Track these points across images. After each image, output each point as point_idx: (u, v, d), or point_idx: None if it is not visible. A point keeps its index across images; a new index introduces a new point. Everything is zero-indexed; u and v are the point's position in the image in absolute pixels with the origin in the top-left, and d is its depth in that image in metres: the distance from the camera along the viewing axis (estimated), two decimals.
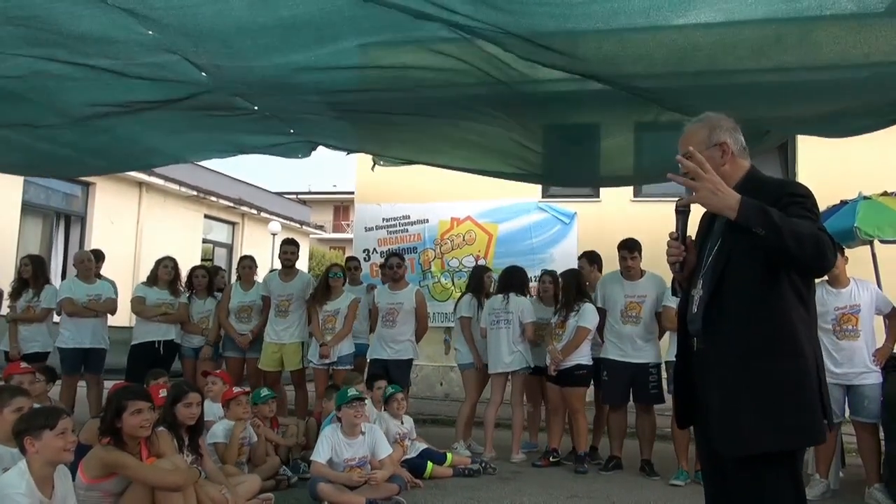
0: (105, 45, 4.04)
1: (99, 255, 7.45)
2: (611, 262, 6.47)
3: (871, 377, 5.07)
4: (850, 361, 5.06)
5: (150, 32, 3.79)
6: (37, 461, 3.04)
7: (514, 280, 6.51)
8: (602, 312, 6.06)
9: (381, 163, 7.52)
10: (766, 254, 2.09)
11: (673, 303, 4.57)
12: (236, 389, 5.12)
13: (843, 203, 6.23)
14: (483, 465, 5.72)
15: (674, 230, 2.40)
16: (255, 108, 5.41)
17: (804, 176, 9.14)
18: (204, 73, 4.52)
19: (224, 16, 3.74)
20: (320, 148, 6.94)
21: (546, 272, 6.83)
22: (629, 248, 5.97)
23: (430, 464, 5.45)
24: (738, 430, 2.14)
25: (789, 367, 2.14)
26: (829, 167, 8.75)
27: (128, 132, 5.94)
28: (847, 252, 5.53)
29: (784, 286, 2.17)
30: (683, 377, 2.45)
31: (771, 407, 2.11)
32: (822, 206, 6.28)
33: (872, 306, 5.19)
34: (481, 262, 9.67)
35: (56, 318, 6.95)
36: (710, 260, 2.33)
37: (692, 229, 2.47)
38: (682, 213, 2.39)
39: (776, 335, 2.15)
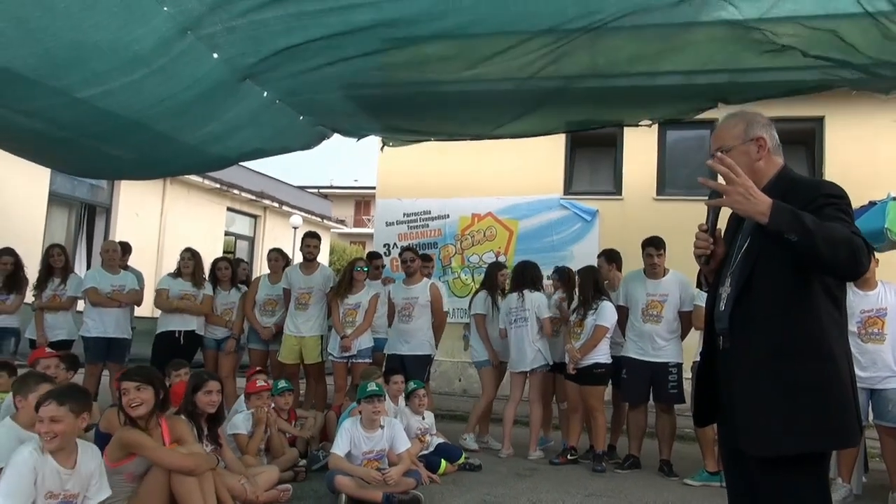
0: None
1: (126, 248, 7.54)
2: (633, 261, 6.43)
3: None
4: (875, 365, 4.99)
5: (166, 9, 3.74)
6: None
7: (526, 276, 6.48)
8: (623, 310, 6.03)
9: (391, 144, 7.50)
10: (799, 260, 2.05)
11: (703, 301, 4.53)
12: (259, 384, 5.15)
13: (872, 204, 6.12)
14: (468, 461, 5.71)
15: (703, 222, 2.36)
16: (265, 93, 5.36)
17: (831, 175, 9.00)
18: (216, 54, 4.43)
19: None
20: (340, 141, 6.94)
21: (557, 269, 6.80)
22: (655, 245, 5.92)
23: (443, 462, 5.46)
24: (764, 430, 2.10)
25: (817, 369, 2.09)
26: (857, 166, 8.64)
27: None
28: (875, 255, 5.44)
29: (815, 288, 2.12)
30: (706, 375, 2.42)
31: (798, 408, 2.06)
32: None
33: None
34: (501, 258, 9.66)
35: (80, 307, 7.05)
36: (738, 258, 2.29)
37: (722, 223, 2.43)
38: (714, 208, 2.34)
39: (804, 337, 2.10)
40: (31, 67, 4.08)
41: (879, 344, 5.02)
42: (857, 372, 4.85)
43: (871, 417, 5.12)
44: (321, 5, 3.81)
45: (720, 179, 2.13)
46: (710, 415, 2.43)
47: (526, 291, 6.35)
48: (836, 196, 2.14)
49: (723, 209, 2.24)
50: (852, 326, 5.05)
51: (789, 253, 2.02)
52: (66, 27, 3.66)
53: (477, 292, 6.95)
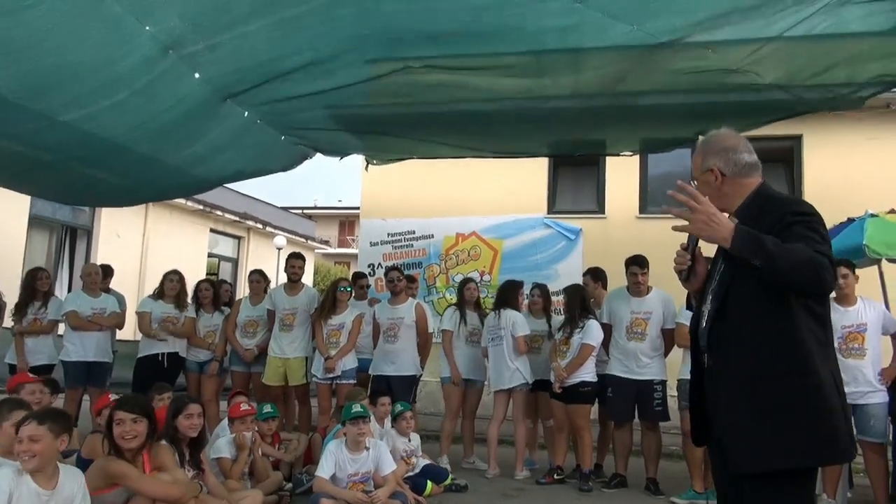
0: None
1: (108, 271, 7.47)
2: (617, 278, 6.45)
3: (878, 397, 5.04)
4: (855, 381, 5.02)
5: (148, 28, 3.72)
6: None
7: (505, 295, 6.50)
8: (607, 328, 6.04)
9: (375, 162, 7.51)
10: (766, 281, 2.09)
11: (686, 319, 4.55)
12: (244, 407, 5.09)
13: (851, 220, 6.21)
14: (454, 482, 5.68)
15: (685, 241, 2.41)
16: (246, 113, 5.36)
17: (810, 192, 9.14)
18: (197, 74, 4.42)
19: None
20: (323, 161, 6.94)
21: (536, 285, 6.78)
22: (640, 263, 5.96)
23: (429, 483, 5.42)
24: (749, 446, 2.12)
25: (799, 385, 2.10)
26: (835, 183, 8.76)
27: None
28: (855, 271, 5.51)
29: (793, 304, 2.13)
30: (697, 393, 2.43)
31: (783, 425, 2.08)
32: (829, 223, 6.31)
33: (879, 326, 5.16)
34: (486, 277, 9.67)
35: (61, 331, 6.97)
36: (718, 276, 2.33)
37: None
38: None
39: (784, 354, 2.12)
40: (12, 90, 4.04)
41: (860, 359, 5.07)
42: None
43: (854, 433, 5.15)
44: (301, 8, 3.79)
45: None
46: (707, 434, 2.41)
47: (503, 310, 6.35)
48: (806, 213, 2.18)
49: None
50: (833, 342, 5.10)
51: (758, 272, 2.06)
52: (48, 49, 3.64)
53: (447, 307, 6.93)
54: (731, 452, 2.17)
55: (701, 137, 2.51)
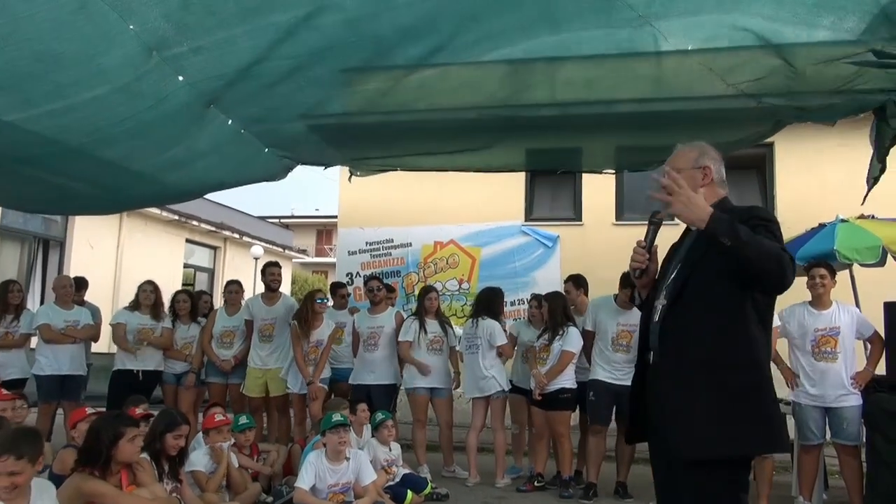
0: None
1: (82, 283, 7.37)
2: (595, 285, 6.50)
3: (850, 400, 5.10)
4: (825, 383, 5.10)
5: (132, 27, 3.67)
6: None
7: (484, 304, 6.50)
8: (589, 335, 6.06)
9: (359, 173, 7.51)
10: (731, 267, 2.19)
11: None
12: (218, 418, 5.06)
13: (822, 226, 6.32)
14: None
15: (642, 238, 2.53)
16: (230, 121, 5.31)
17: (782, 198, 9.30)
18: (181, 77, 4.35)
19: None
20: (302, 170, 6.91)
21: (535, 296, 6.80)
22: (633, 285, 5.95)
23: (409, 493, 5.40)
24: (694, 433, 2.20)
25: (747, 377, 2.22)
26: (807, 190, 8.92)
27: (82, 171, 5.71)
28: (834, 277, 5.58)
29: (746, 305, 2.26)
30: (639, 392, 2.53)
31: (728, 414, 2.19)
32: (801, 228, 6.47)
33: (853, 329, 5.23)
34: (465, 286, 9.69)
35: (34, 344, 6.85)
36: (674, 272, 2.44)
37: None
38: (654, 225, 2.53)
39: (735, 347, 2.24)
40: None
41: (832, 363, 5.14)
42: (810, 389, 5.10)
43: (828, 435, 5.23)
44: (288, 14, 3.77)
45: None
46: (642, 433, 2.50)
47: (480, 319, 6.36)
48: (767, 219, 2.34)
49: (660, 231, 2.46)
50: (806, 345, 5.19)
51: (724, 257, 2.17)
52: (30, 36, 3.56)
53: (407, 318, 6.85)
54: (675, 438, 2.25)
55: (682, 144, 2.59)
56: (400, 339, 6.53)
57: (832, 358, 5.14)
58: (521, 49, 4.23)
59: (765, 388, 2.24)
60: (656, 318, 2.44)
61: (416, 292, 10.14)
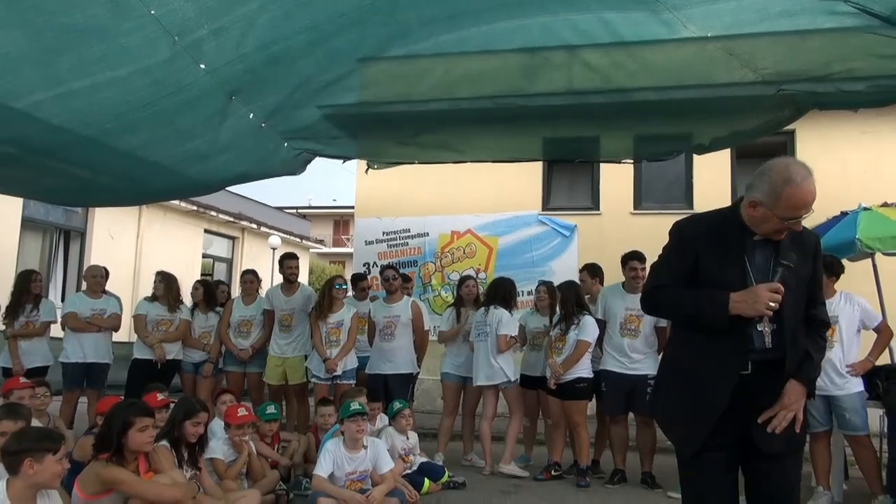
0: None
1: (106, 273, 7.45)
2: (612, 275, 6.47)
3: (848, 388, 5.06)
4: (824, 370, 5.02)
5: (153, 11, 3.67)
6: (23, 483, 2.97)
7: (497, 292, 6.49)
8: (602, 324, 6.05)
9: (376, 166, 7.51)
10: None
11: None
12: (242, 413, 5.01)
13: (844, 214, 6.23)
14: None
15: (774, 281, 2.51)
16: (251, 114, 5.32)
17: None
18: (202, 65, 4.33)
19: None
20: (318, 161, 6.92)
21: (542, 283, 6.79)
22: (639, 258, 5.96)
23: (427, 481, 5.42)
24: (785, 432, 2.55)
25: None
26: (829, 178, 8.72)
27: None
28: (849, 265, 5.50)
29: None
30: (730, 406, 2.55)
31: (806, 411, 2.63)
32: (822, 216, 6.39)
33: (854, 319, 5.17)
34: (482, 275, 9.68)
35: (58, 333, 6.94)
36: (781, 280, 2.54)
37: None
38: (784, 268, 2.54)
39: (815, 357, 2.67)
40: (24, 51, 3.91)
41: (828, 351, 5.07)
42: None
43: (836, 426, 5.17)
44: None
45: None
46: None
47: (492, 307, 6.36)
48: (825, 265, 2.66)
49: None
50: None
51: (805, 289, 2.63)
52: (55, 9, 3.55)
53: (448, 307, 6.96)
54: (772, 439, 2.55)
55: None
56: (440, 329, 6.81)
57: (828, 346, 5.06)
58: (538, 24, 4.16)
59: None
60: (768, 342, 2.53)
61: (433, 282, 10.23)
